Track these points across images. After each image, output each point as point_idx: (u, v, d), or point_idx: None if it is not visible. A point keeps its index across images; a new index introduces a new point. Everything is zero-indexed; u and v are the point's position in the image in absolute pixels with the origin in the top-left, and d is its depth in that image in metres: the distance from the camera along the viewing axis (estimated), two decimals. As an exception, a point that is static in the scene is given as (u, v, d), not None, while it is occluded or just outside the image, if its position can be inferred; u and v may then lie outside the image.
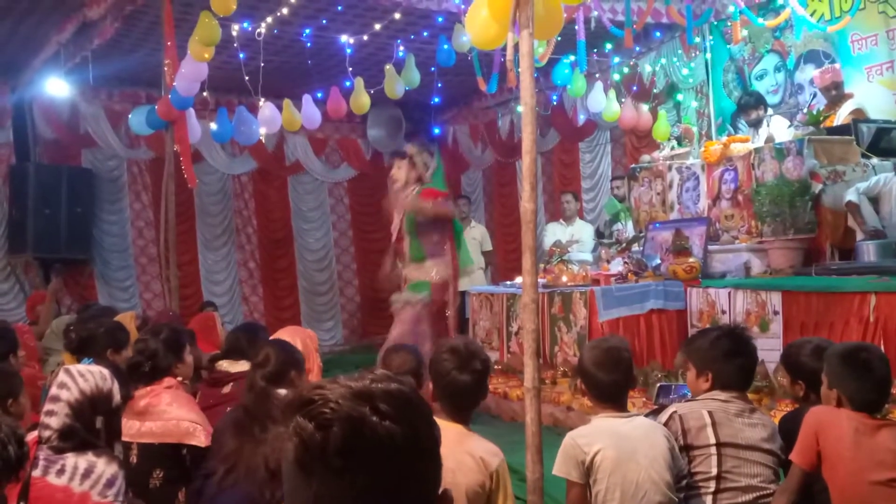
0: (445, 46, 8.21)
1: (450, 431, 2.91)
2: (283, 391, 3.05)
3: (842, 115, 7.23)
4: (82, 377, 2.85)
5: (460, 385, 2.96)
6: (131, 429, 3.54)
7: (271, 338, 3.86)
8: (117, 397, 2.93)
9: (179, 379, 3.82)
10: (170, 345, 3.89)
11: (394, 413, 1.19)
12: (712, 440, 3.15)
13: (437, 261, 7.05)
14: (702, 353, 3.41)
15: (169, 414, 3.62)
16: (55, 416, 2.78)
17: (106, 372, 2.93)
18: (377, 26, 8.23)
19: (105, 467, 2.77)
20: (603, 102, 9.18)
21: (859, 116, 7.08)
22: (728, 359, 3.32)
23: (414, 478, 1.21)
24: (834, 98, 7.42)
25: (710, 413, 3.20)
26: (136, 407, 3.60)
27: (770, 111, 8.05)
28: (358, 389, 1.20)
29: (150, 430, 3.58)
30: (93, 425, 2.82)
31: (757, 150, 6.98)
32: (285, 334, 3.81)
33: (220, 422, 3.46)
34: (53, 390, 2.84)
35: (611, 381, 3.18)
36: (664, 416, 3.27)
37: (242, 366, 4.48)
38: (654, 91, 9.74)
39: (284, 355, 3.45)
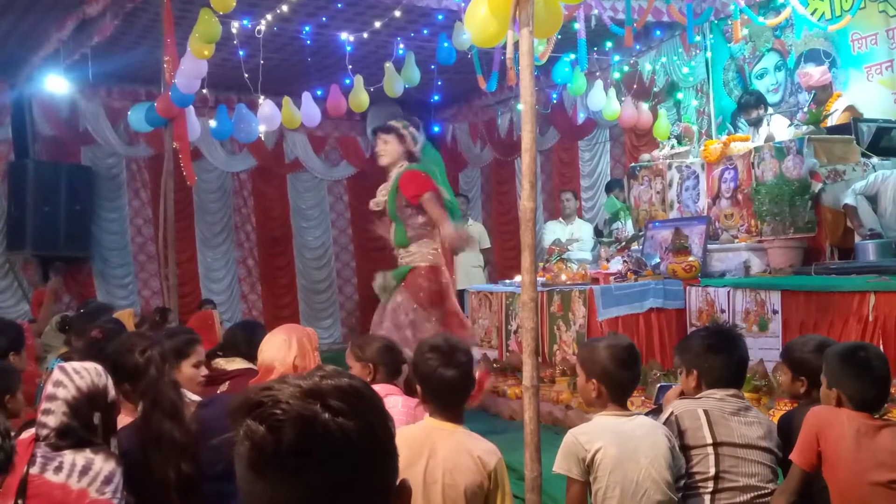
0: (445, 44, 8.21)
1: (446, 432, 2.91)
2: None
3: (836, 114, 7.23)
4: (78, 374, 2.84)
5: (448, 381, 2.95)
6: None
7: (268, 335, 3.83)
8: (112, 393, 2.93)
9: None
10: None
11: (346, 408, 1.17)
12: (709, 440, 3.15)
13: (423, 243, 6.35)
14: (688, 352, 3.46)
15: None
16: (52, 415, 2.77)
17: (100, 368, 2.92)
18: (377, 24, 8.22)
19: (103, 464, 2.77)
20: (603, 101, 9.18)
21: (853, 114, 7.09)
22: (711, 355, 3.33)
23: (370, 471, 1.20)
24: (820, 98, 7.43)
25: (705, 412, 3.20)
26: None
27: (770, 110, 8.05)
28: (308, 387, 1.18)
29: None
30: (90, 422, 2.81)
31: (757, 149, 6.98)
32: (283, 332, 3.77)
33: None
34: (49, 388, 2.83)
35: (633, 377, 3.23)
36: (664, 417, 3.28)
37: (238, 363, 4.48)
38: (655, 90, 9.74)
39: None
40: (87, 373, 2.85)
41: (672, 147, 8.30)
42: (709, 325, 5.95)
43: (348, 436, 1.16)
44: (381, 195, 6.47)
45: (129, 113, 9.04)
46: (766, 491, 3.12)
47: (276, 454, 1.14)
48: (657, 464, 2.99)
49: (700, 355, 3.36)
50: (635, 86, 9.66)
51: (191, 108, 7.95)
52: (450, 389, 2.98)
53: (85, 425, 2.79)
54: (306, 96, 8.85)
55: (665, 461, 3.01)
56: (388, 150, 6.37)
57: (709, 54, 9.35)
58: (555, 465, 3.07)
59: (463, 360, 3.01)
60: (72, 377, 2.82)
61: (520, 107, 4.30)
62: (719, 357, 3.33)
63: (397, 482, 1.25)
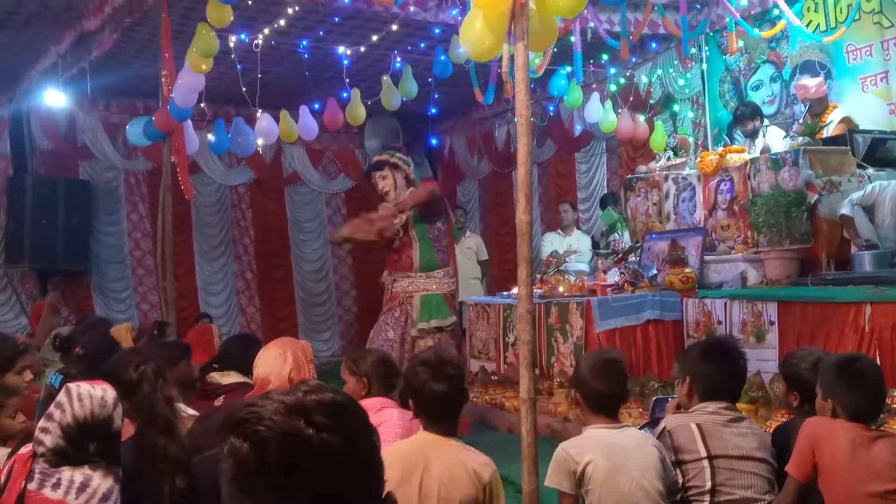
0: (442, 58, 8.23)
1: (440, 445, 2.92)
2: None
3: (831, 125, 7.25)
4: (80, 401, 2.77)
5: (437, 394, 2.96)
6: None
7: (263, 350, 3.84)
8: (118, 422, 2.87)
9: None
10: None
11: (329, 423, 1.18)
12: (703, 453, 3.15)
13: (447, 270, 6.71)
14: (685, 359, 3.51)
15: None
16: (49, 435, 2.75)
17: (109, 396, 2.83)
18: (374, 38, 8.25)
19: (101, 481, 2.75)
20: (599, 113, 9.20)
21: (849, 125, 7.11)
22: (704, 362, 3.35)
23: (356, 485, 1.20)
24: (816, 110, 7.45)
25: (698, 426, 3.21)
26: None
27: (766, 121, 8.07)
28: (291, 403, 1.19)
29: None
30: (85, 449, 2.78)
31: (753, 161, 6.99)
32: (277, 346, 3.79)
33: None
34: (51, 407, 2.81)
35: (606, 391, 3.21)
36: (657, 432, 3.29)
37: (233, 377, 4.48)
38: (651, 102, 9.75)
39: None
40: (89, 402, 2.78)
41: (668, 159, 8.31)
42: (710, 335, 5.97)
43: (332, 451, 1.17)
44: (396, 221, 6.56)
45: (127, 127, 9.04)
46: (762, 502, 3.12)
47: (261, 471, 1.14)
48: (648, 474, 3.01)
49: (695, 362, 3.39)
50: (631, 98, 9.68)
51: (189, 121, 7.95)
52: (440, 402, 2.99)
53: (80, 450, 2.77)
54: (304, 110, 8.87)
55: (656, 472, 3.03)
56: (388, 183, 6.64)
57: (704, 66, 9.38)
58: (546, 478, 3.10)
59: (452, 374, 3.03)
60: (73, 403, 2.77)
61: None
62: (712, 365, 3.34)
63: (384, 495, 1.26)
